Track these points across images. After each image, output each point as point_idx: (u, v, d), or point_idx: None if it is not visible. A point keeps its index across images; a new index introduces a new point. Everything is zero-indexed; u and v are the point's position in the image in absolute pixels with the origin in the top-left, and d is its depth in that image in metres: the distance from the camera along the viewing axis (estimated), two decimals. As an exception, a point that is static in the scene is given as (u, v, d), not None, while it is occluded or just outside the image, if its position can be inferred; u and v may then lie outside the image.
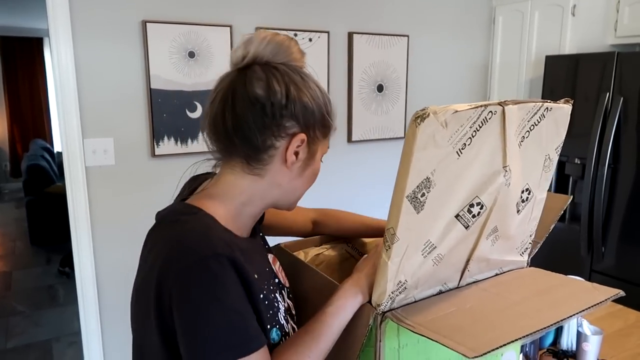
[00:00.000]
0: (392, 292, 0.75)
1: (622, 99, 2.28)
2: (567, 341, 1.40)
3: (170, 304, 0.66)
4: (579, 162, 2.46)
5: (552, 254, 2.50)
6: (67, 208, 2.06)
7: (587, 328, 1.29)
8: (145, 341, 0.73)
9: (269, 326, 0.76)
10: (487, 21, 3.14)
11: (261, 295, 0.76)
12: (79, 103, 2.02)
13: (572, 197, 0.98)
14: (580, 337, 1.27)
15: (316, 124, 0.77)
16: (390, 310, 0.77)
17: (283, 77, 0.74)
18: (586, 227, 2.45)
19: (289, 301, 0.89)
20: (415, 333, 0.70)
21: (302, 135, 0.75)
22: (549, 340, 1.43)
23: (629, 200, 2.31)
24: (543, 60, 2.70)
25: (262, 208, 0.82)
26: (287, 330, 0.82)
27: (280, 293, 0.86)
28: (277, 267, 0.91)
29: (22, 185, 4.96)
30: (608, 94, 2.33)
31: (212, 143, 0.78)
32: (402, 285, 0.76)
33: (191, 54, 2.20)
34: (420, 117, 0.65)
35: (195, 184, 0.86)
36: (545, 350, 1.39)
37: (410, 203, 0.70)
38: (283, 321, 0.81)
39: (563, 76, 2.55)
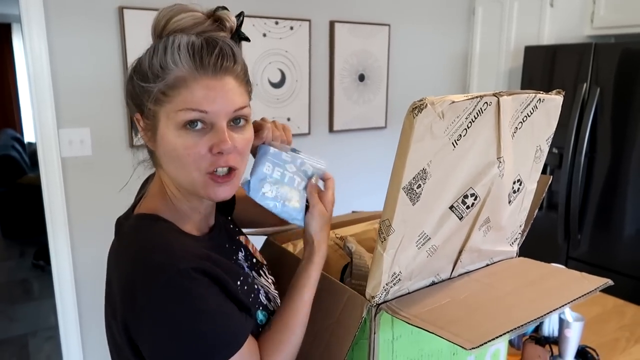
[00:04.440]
0: (386, 284, 0.75)
1: (598, 89, 2.32)
2: (549, 328, 1.42)
3: (140, 328, 0.66)
4: (556, 151, 2.50)
5: (530, 241, 2.54)
6: (40, 200, 2.00)
7: (569, 315, 1.32)
8: (118, 343, 0.72)
9: (252, 310, 0.77)
10: (467, 11, 3.15)
11: (238, 285, 0.76)
12: (54, 92, 1.95)
13: (551, 176, 1.00)
14: (562, 323, 1.29)
15: (141, 97, 0.71)
16: (385, 302, 0.76)
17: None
18: (563, 215, 2.50)
19: (271, 277, 0.91)
20: (411, 325, 0.70)
21: (138, 115, 0.74)
22: (531, 327, 1.46)
23: (604, 189, 2.37)
24: (522, 50, 2.73)
25: (196, 199, 0.77)
26: (272, 309, 0.83)
27: (259, 272, 0.87)
28: (251, 247, 0.92)
29: (-8, 177, 4.81)
30: (585, 84, 2.37)
31: None
32: (396, 277, 0.76)
33: (170, 42, 2.14)
34: (418, 107, 0.65)
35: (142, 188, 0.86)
36: (528, 337, 1.41)
37: (406, 194, 0.70)
38: (265, 301, 0.82)
39: (542, 67, 2.58)
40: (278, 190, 0.81)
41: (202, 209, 0.79)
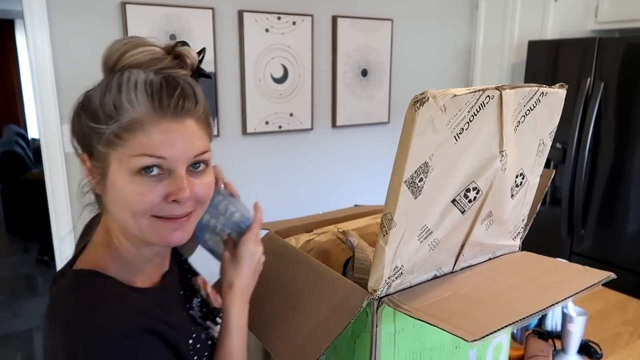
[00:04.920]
0: (388, 278, 0.75)
1: (602, 84, 2.31)
2: (552, 322, 1.43)
3: None
4: (560, 146, 2.49)
5: (533, 236, 2.54)
6: (44, 195, 2.01)
7: (572, 309, 1.31)
8: None
9: None
10: (470, 6, 3.13)
11: (190, 344, 0.72)
12: (57, 88, 1.96)
13: (554, 170, 0.99)
14: (565, 318, 1.29)
15: (90, 138, 0.65)
16: (387, 295, 0.77)
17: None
18: (567, 210, 2.50)
19: None
20: (414, 318, 0.70)
21: (84, 155, 0.67)
22: (534, 321, 1.46)
23: (608, 184, 2.36)
24: (525, 45, 2.71)
25: (146, 246, 0.71)
26: None
27: (214, 321, 0.83)
28: (209, 290, 0.87)
29: (-4, 173, 4.83)
30: (589, 79, 2.35)
31: None
32: (398, 271, 0.76)
33: (172, 37, 2.15)
34: (420, 101, 0.65)
35: (91, 229, 0.76)
36: (530, 331, 1.42)
37: (408, 188, 0.70)
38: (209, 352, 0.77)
39: (545, 61, 2.57)
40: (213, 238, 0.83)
41: (153, 257, 0.73)
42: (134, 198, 0.63)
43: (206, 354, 0.74)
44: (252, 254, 0.79)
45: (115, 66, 0.66)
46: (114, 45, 0.66)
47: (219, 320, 0.83)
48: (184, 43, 0.70)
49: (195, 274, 0.90)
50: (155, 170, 0.63)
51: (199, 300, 0.84)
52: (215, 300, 0.87)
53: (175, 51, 0.69)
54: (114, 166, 0.64)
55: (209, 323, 0.82)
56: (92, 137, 0.64)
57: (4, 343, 2.87)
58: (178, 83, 0.65)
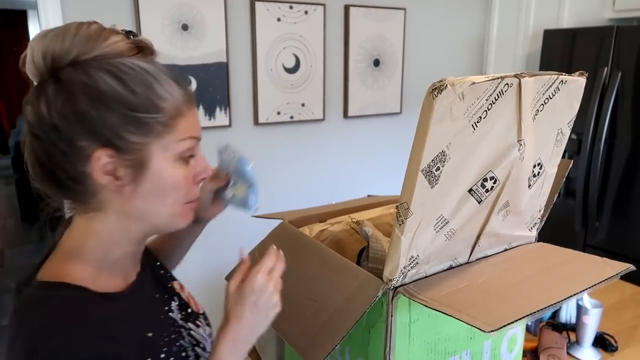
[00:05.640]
0: (404, 267, 0.75)
1: (620, 73, 2.26)
2: (567, 314, 1.42)
3: None
4: (575, 137, 2.46)
5: (547, 228, 2.51)
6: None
7: (587, 301, 1.30)
8: None
9: None
10: (485, -6, 3.09)
11: (162, 355, 0.68)
12: (70, 77, 1.96)
13: (572, 161, 0.98)
14: (580, 310, 1.28)
15: (120, 130, 0.61)
16: (402, 285, 0.76)
17: (39, 90, 0.61)
18: (581, 202, 2.47)
19: (206, 327, 0.83)
20: (429, 308, 0.70)
21: (102, 152, 0.62)
22: (548, 313, 1.45)
23: (624, 175, 2.33)
24: (541, 34, 2.67)
25: (136, 243, 0.71)
26: None
27: (195, 323, 0.81)
28: (186, 294, 0.85)
29: (11, 162, 4.88)
30: (606, 68, 2.31)
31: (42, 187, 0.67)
32: (414, 260, 0.76)
33: (185, 27, 2.14)
34: (438, 89, 0.64)
35: (57, 237, 0.72)
36: (545, 323, 1.41)
37: (425, 177, 0.69)
38: (206, 354, 0.76)
39: (561, 51, 2.52)
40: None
41: (135, 251, 0.73)
42: (182, 182, 0.67)
43: (190, 358, 0.72)
44: (260, 288, 0.70)
45: (84, 55, 0.62)
46: (72, 35, 0.62)
47: (199, 323, 0.81)
48: (131, 32, 0.68)
49: (171, 277, 0.88)
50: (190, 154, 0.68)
51: (177, 303, 0.81)
52: (195, 305, 0.86)
53: (137, 42, 0.67)
54: (157, 154, 0.64)
55: (190, 325, 0.79)
56: (125, 128, 0.62)
57: (20, 330, 2.91)
58: (176, 71, 0.68)
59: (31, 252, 4.03)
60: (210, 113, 2.29)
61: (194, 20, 2.16)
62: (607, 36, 2.29)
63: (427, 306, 0.70)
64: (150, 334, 0.68)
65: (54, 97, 0.61)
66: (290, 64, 2.47)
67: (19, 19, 6.67)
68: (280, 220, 1.08)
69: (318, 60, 2.54)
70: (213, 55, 2.23)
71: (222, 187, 0.87)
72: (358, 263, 0.95)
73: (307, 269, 0.90)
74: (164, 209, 0.67)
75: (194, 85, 2.21)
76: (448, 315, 0.67)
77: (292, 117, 2.53)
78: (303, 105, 2.54)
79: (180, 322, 0.78)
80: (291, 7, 2.39)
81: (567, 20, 2.67)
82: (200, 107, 2.25)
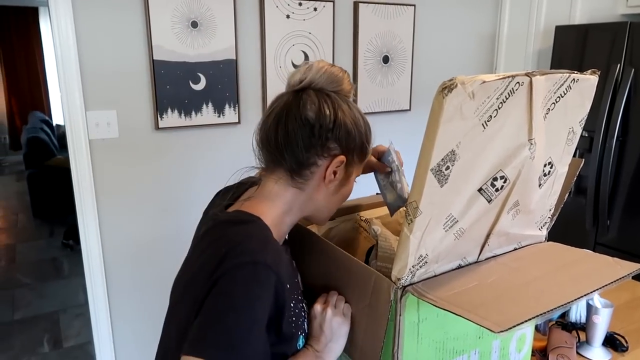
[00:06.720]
0: (412, 266, 0.75)
1: (633, 70, 2.24)
2: (576, 314, 1.40)
3: (211, 288, 0.71)
4: (586, 135, 2.44)
5: (557, 227, 2.50)
6: (69, 181, 2.04)
7: (597, 301, 1.29)
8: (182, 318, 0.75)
9: (295, 335, 0.81)
10: (495, -10, 3.06)
11: (291, 306, 0.80)
12: (81, 75, 1.98)
13: (583, 160, 0.97)
14: (590, 309, 1.27)
15: (355, 149, 0.84)
16: (411, 284, 0.76)
17: (333, 103, 0.81)
18: (592, 200, 2.44)
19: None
20: (438, 307, 0.69)
21: (342, 157, 0.82)
22: (558, 313, 1.44)
23: (635, 174, 2.30)
24: (552, 30, 2.64)
25: (299, 218, 0.88)
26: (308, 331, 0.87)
27: (302, 298, 0.90)
28: (294, 266, 0.96)
29: (23, 158, 4.94)
30: (619, 65, 2.29)
31: (262, 153, 0.86)
32: (422, 260, 0.75)
33: (194, 24, 2.14)
34: (448, 87, 0.63)
35: (239, 190, 0.92)
36: (554, 322, 1.40)
37: (435, 176, 0.69)
38: (306, 325, 0.86)
39: (573, 47, 2.50)
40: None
41: (291, 226, 0.89)
42: (350, 190, 0.91)
43: (300, 320, 0.83)
44: (317, 315, 0.85)
45: (304, 85, 0.83)
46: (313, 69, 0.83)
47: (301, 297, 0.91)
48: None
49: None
50: None
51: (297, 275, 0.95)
52: None
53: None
54: (355, 173, 0.88)
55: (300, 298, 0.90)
56: (359, 149, 0.85)
57: (31, 325, 2.95)
58: None
59: (42, 248, 4.07)
60: (219, 110, 2.29)
61: (203, 18, 2.16)
62: (620, 32, 2.27)
63: (436, 306, 0.70)
64: (288, 286, 0.79)
65: (344, 109, 0.82)
66: (300, 60, 2.46)
67: (30, 16, 6.72)
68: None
69: (327, 57, 2.53)
70: (222, 53, 2.24)
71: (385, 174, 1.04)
72: (367, 262, 0.95)
73: (323, 277, 0.92)
74: (332, 207, 0.90)
75: (203, 82, 2.22)
76: (457, 315, 0.67)
77: (301, 114, 2.53)
78: (312, 102, 2.54)
79: (301, 294, 0.90)
80: (300, 4, 2.39)
81: (579, 16, 2.64)
82: (210, 104, 2.26)
